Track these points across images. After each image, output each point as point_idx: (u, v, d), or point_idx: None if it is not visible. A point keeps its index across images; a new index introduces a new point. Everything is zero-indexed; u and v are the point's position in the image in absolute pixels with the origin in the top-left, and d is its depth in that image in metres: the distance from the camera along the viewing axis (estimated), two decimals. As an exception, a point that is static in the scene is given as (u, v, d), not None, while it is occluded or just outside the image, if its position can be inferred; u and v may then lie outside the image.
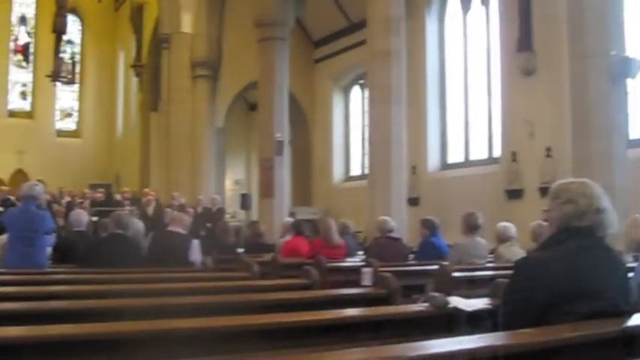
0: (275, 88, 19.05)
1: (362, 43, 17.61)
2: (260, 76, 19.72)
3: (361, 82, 23.17)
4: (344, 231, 10.63)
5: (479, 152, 17.91)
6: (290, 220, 12.31)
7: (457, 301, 4.07)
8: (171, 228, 8.70)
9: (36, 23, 32.70)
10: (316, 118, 25.08)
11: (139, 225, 9.10)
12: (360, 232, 14.66)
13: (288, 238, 10.80)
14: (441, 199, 17.19)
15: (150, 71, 27.50)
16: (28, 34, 33.12)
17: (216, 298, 4.95)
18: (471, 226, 8.33)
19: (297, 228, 10.62)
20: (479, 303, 4.06)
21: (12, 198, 17.72)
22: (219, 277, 6.88)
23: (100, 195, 19.66)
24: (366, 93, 17.47)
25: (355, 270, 7.39)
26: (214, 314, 4.10)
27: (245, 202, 22.86)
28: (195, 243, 8.49)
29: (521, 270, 3.10)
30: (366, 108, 16.65)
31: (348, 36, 22.67)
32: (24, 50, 33.02)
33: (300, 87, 23.65)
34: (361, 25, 18.33)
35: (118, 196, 19.51)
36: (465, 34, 18.74)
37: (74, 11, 31.05)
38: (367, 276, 6.11)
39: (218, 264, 8.31)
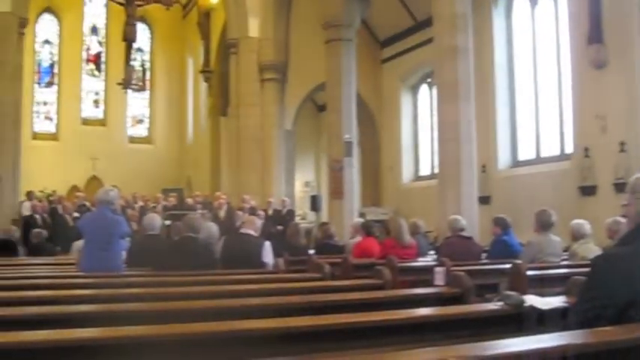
0: (343, 89, 19.07)
1: (428, 41, 17.49)
2: (327, 78, 19.76)
3: (429, 80, 23.02)
4: (414, 231, 10.58)
5: (550, 148, 17.58)
6: (360, 220, 12.29)
7: (533, 300, 4.03)
8: (243, 230, 8.78)
9: (107, 33, 33.42)
10: (384, 118, 24.98)
11: (213, 228, 9.20)
12: (430, 231, 14.57)
13: (359, 239, 10.79)
14: (512, 197, 16.97)
15: (218, 76, 27.85)
16: (100, 43, 33.88)
17: (289, 299, 4.99)
18: (544, 224, 8.22)
19: (367, 229, 10.61)
20: (555, 301, 4.01)
21: (87, 204, 18.18)
22: (291, 279, 6.92)
23: (172, 199, 20.01)
24: (434, 91, 17.33)
25: (427, 270, 7.35)
26: (287, 315, 4.14)
27: (315, 203, 22.96)
28: (268, 245, 8.57)
29: (599, 267, 3.03)
30: (435, 106, 16.52)
31: (414, 34, 22.53)
32: (96, 59, 33.80)
33: (367, 87, 23.59)
34: (427, 23, 18.21)
35: (189, 200, 19.82)
36: (533, 28, 18.43)
37: (143, 20, 31.60)
38: (440, 275, 6.06)
39: (289, 265, 8.37)
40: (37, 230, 14.60)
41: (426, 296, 5.18)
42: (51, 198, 20.73)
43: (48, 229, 15.66)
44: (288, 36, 23.23)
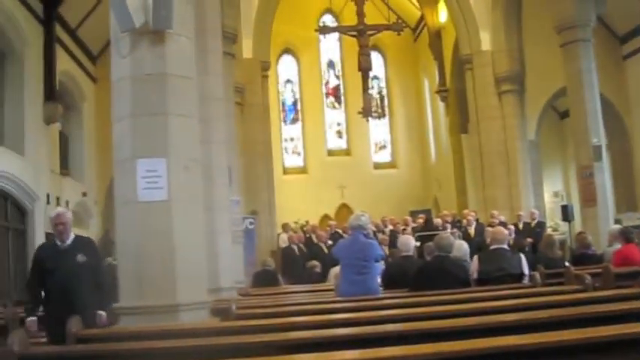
0: (585, 91, 18.38)
1: (675, 29, 16.50)
2: (568, 82, 19.14)
3: (679, 71, 21.69)
4: (679, 233, 10.01)
5: None
6: (617, 227, 11.80)
7: None
8: (495, 246, 8.73)
9: (342, 65, 34.45)
10: (633, 116, 23.71)
11: (463, 246, 9.27)
12: (697, 233, 13.65)
13: (617, 246, 10.39)
14: None
15: (455, 94, 27.78)
16: (337, 76, 34.99)
17: (551, 313, 4.92)
18: None
19: (625, 235, 10.20)
20: None
21: (340, 231, 18.81)
22: (551, 292, 6.80)
23: (420, 220, 20.22)
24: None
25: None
26: (551, 329, 4.07)
27: (566, 213, 22.22)
28: (523, 257, 8.51)
29: None
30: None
31: (657, 25, 21.38)
32: (335, 92, 34.93)
33: (610, 87, 22.53)
34: (671, 10, 17.21)
35: (438, 220, 19.88)
36: None
37: (376, 48, 32.24)
38: None
39: (544, 279, 8.23)
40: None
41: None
42: (304, 228, 21.59)
43: (304, 259, 16.36)
44: (521, 45, 22.80)
